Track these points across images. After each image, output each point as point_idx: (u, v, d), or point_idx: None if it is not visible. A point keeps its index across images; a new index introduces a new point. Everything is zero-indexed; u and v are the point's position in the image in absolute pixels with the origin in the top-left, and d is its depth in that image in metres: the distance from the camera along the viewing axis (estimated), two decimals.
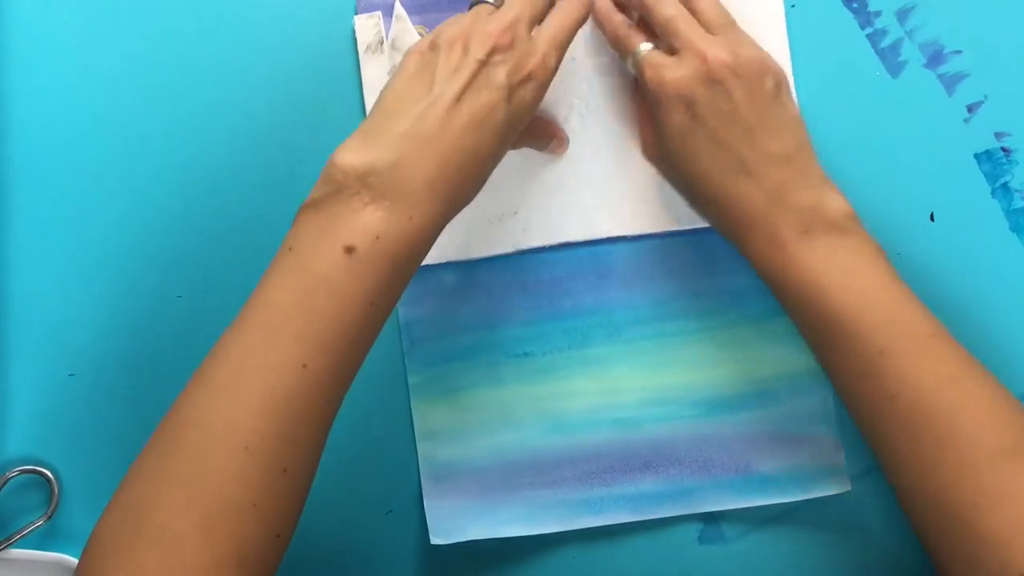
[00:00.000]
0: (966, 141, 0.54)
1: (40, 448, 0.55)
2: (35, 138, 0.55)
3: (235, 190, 0.55)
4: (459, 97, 0.44)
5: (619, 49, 0.51)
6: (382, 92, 0.46)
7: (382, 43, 0.54)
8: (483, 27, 0.45)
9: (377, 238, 0.42)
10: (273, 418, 0.41)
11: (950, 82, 0.54)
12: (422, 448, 0.55)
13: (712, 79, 0.46)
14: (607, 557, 0.55)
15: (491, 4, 0.47)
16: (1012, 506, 0.41)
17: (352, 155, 0.43)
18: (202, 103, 0.55)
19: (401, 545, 0.56)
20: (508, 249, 0.55)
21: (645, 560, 0.55)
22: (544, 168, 0.54)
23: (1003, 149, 0.54)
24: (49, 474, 0.54)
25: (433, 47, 0.46)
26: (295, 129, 0.55)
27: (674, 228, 0.54)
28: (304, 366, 0.41)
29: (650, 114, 0.50)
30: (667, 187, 0.54)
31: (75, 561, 0.54)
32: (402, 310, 0.55)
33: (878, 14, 0.54)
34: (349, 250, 0.42)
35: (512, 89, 0.45)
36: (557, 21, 0.48)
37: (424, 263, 0.51)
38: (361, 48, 0.54)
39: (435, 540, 0.54)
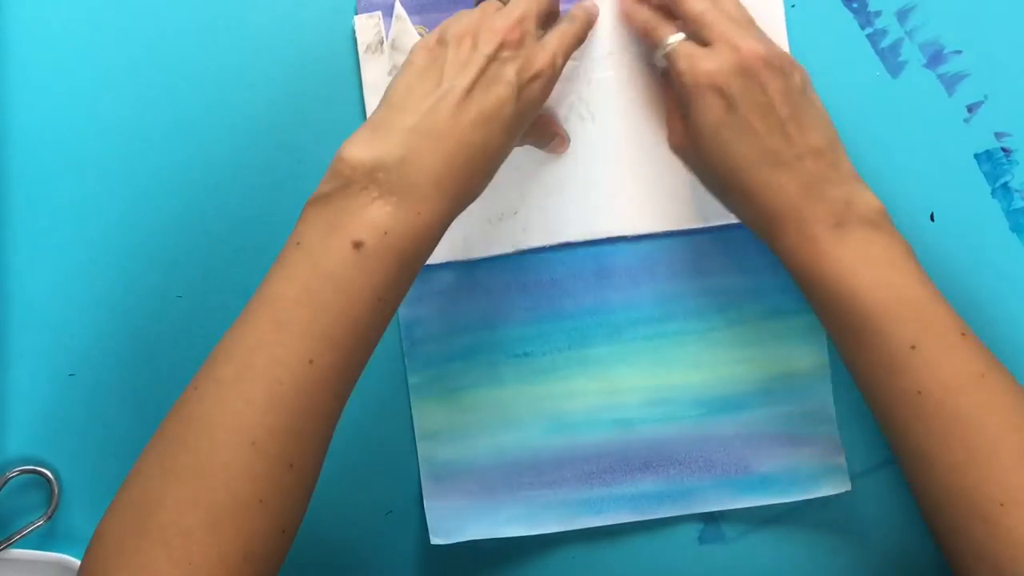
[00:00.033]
0: (966, 141, 0.54)
1: (40, 448, 0.55)
2: (35, 138, 0.55)
3: (235, 190, 0.55)
4: (468, 92, 0.44)
5: (649, 41, 0.51)
6: (389, 86, 0.46)
7: (382, 43, 0.54)
8: (491, 23, 0.46)
9: (385, 233, 0.42)
10: (280, 413, 0.41)
11: (950, 82, 0.54)
12: (422, 448, 0.55)
13: (747, 70, 0.46)
14: (607, 557, 0.55)
15: (498, 0, 0.48)
16: None
17: (360, 149, 0.43)
18: (202, 103, 0.55)
19: (401, 545, 0.56)
20: (508, 249, 0.55)
21: (645, 560, 0.55)
22: (544, 168, 0.54)
23: (1003, 149, 0.54)
24: (49, 474, 0.54)
25: (441, 42, 0.46)
26: (295, 129, 0.55)
27: (674, 228, 0.54)
28: (311, 362, 0.41)
29: (678, 106, 0.50)
30: (668, 187, 0.54)
31: (75, 561, 0.54)
32: (402, 310, 0.55)
33: (878, 14, 0.54)
34: (357, 245, 0.42)
35: (521, 86, 0.45)
36: (565, 26, 0.49)
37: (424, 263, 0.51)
38: (361, 48, 0.54)
39: (435, 540, 0.54)
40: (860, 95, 0.54)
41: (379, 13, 0.54)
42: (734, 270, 0.54)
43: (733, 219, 0.51)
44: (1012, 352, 0.54)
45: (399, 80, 0.45)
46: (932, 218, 0.54)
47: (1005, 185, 0.54)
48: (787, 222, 0.47)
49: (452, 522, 0.54)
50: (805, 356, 0.54)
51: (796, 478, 0.54)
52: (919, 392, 0.44)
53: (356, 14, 0.54)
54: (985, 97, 0.54)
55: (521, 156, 0.54)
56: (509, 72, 0.45)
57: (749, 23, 0.48)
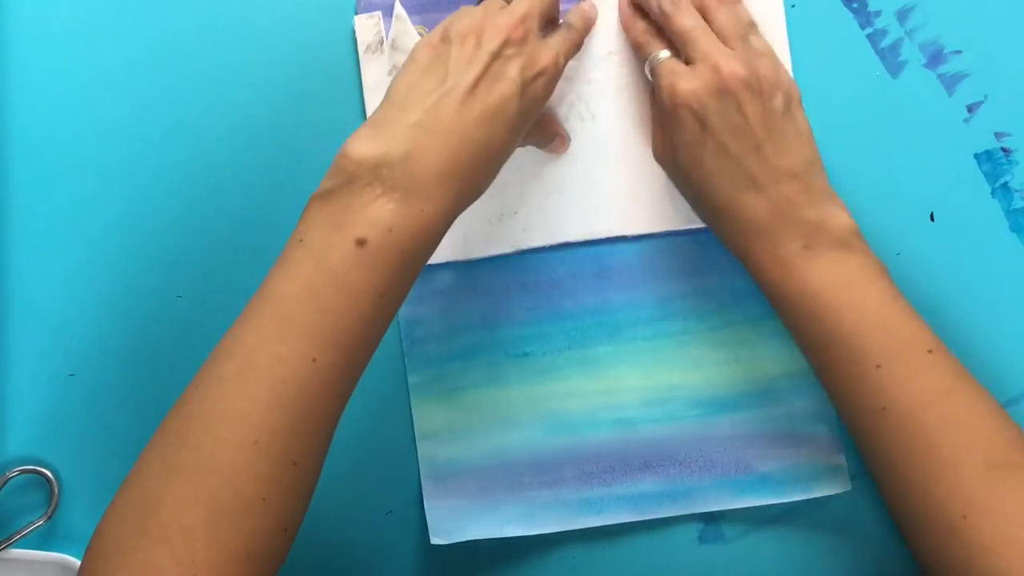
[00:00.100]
0: (966, 141, 0.54)
1: (40, 448, 0.55)
2: (35, 138, 0.55)
3: (235, 190, 0.55)
4: (472, 89, 0.44)
5: (639, 54, 0.52)
6: (393, 83, 0.46)
7: (382, 43, 0.54)
8: (495, 20, 0.46)
9: (389, 231, 0.42)
10: (283, 412, 0.41)
11: (950, 82, 0.54)
12: (422, 448, 0.55)
13: (725, 91, 0.46)
14: (607, 557, 0.55)
15: None
16: (999, 517, 0.42)
17: (364, 145, 0.43)
18: (202, 103, 0.55)
19: (401, 545, 0.56)
20: (508, 249, 0.55)
21: (645, 560, 0.55)
22: (544, 168, 0.54)
23: (1003, 149, 0.54)
24: (49, 474, 0.54)
25: (445, 40, 0.46)
26: (295, 129, 0.55)
27: (674, 228, 0.54)
28: (314, 360, 0.41)
29: (661, 119, 0.51)
30: (667, 187, 0.54)
31: (75, 561, 0.54)
32: (402, 310, 0.55)
33: (878, 14, 0.54)
34: (360, 243, 0.42)
35: (525, 83, 0.45)
36: (567, 27, 0.50)
37: None
38: (361, 48, 0.54)
39: (435, 540, 0.54)
40: (860, 95, 0.54)
41: (379, 13, 0.54)
42: (734, 270, 0.54)
43: None
44: (1012, 352, 0.54)
45: (402, 77, 0.45)
46: (932, 218, 0.54)
47: (1005, 185, 0.54)
48: (759, 242, 0.47)
49: (452, 522, 0.54)
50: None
51: (796, 478, 0.54)
52: (884, 409, 0.44)
53: (356, 14, 0.54)
54: (985, 97, 0.54)
55: (521, 156, 0.54)
56: (513, 69, 0.45)
57: (742, 36, 0.48)
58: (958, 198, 0.54)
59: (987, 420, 0.44)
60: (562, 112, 0.54)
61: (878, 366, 0.45)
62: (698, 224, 0.54)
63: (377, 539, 0.56)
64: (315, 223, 0.43)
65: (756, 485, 0.54)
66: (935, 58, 0.54)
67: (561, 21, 0.51)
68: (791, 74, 0.50)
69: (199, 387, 0.41)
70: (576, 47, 0.51)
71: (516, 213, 0.55)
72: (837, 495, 0.54)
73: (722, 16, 0.49)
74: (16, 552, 0.54)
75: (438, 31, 0.46)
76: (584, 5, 0.53)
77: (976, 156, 0.54)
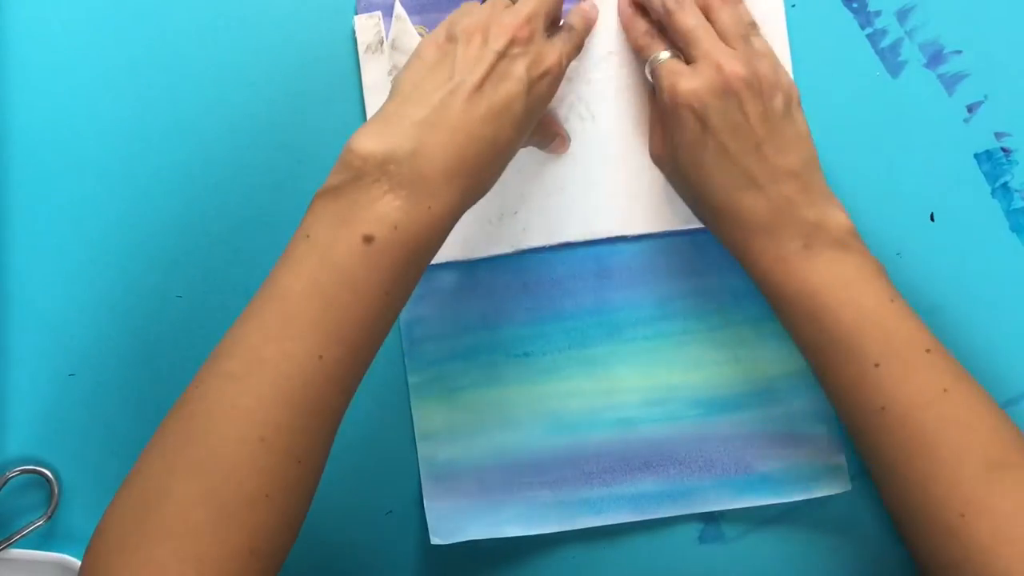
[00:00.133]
0: (966, 141, 0.54)
1: (40, 448, 0.55)
2: (35, 138, 0.55)
3: (235, 190, 0.55)
4: (479, 87, 0.44)
5: (640, 55, 0.52)
6: (398, 79, 0.46)
7: (382, 43, 0.54)
8: (501, 20, 0.46)
9: (395, 228, 0.42)
10: (288, 408, 0.40)
11: (950, 82, 0.54)
12: (422, 448, 0.55)
13: (726, 91, 0.46)
14: (607, 557, 0.55)
15: None
16: (997, 516, 0.42)
17: (371, 141, 0.43)
18: (202, 103, 0.55)
19: (401, 545, 0.56)
20: (508, 249, 0.55)
21: (645, 560, 0.55)
22: (544, 168, 0.54)
23: (1003, 149, 0.54)
24: (49, 474, 0.54)
25: (450, 38, 0.46)
26: (295, 129, 0.55)
27: (674, 228, 0.54)
28: (320, 357, 0.41)
29: (661, 119, 0.51)
30: (667, 187, 0.54)
31: (75, 561, 0.54)
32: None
33: (878, 14, 0.54)
34: (367, 240, 0.42)
35: (531, 82, 0.45)
36: (569, 28, 0.50)
37: None
38: (361, 48, 0.54)
39: (435, 540, 0.54)
40: (860, 95, 0.54)
41: (379, 13, 0.54)
42: (734, 270, 0.54)
43: None
44: (1012, 352, 0.54)
45: (408, 73, 0.45)
46: (932, 218, 0.54)
47: (1005, 185, 0.54)
48: (757, 242, 0.47)
49: (452, 522, 0.54)
50: None
51: (796, 478, 0.54)
52: (883, 408, 0.45)
53: (356, 14, 0.54)
54: (985, 97, 0.54)
55: (521, 156, 0.54)
56: (519, 68, 0.45)
57: (743, 35, 0.48)
58: (958, 198, 0.54)
59: (985, 420, 0.44)
60: (562, 112, 0.54)
61: (876, 365, 0.45)
62: (698, 224, 0.54)
63: (377, 539, 0.56)
64: (321, 219, 0.43)
65: (756, 485, 0.54)
66: (935, 58, 0.54)
67: (562, 22, 0.51)
68: (791, 75, 0.50)
69: (202, 384, 0.41)
70: (578, 48, 0.51)
71: (516, 213, 0.55)
72: (837, 495, 0.54)
73: (724, 16, 0.49)
74: (16, 552, 0.54)
75: (443, 28, 0.47)
76: (585, 5, 0.53)
77: (976, 156, 0.54)
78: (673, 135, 0.49)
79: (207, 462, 0.39)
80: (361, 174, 0.42)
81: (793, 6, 0.54)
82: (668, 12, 0.49)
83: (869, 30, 0.54)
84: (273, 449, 0.40)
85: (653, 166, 0.54)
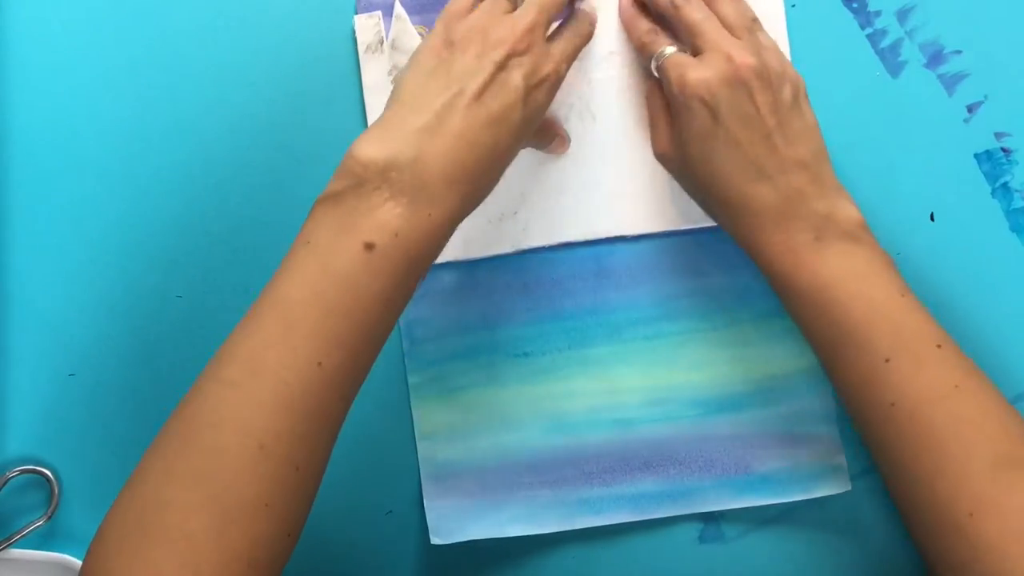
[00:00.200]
0: (966, 141, 0.54)
1: (40, 448, 0.55)
2: (35, 138, 0.55)
3: (235, 190, 0.55)
4: (478, 96, 0.44)
5: (643, 52, 0.51)
6: (398, 85, 0.46)
7: (382, 43, 0.54)
8: (500, 32, 0.46)
9: (396, 235, 0.42)
10: (288, 416, 0.40)
11: (950, 82, 0.54)
12: (422, 448, 0.55)
13: (736, 80, 0.46)
14: (607, 557, 0.55)
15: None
16: (1006, 515, 0.42)
17: (372, 148, 0.43)
18: (202, 103, 0.55)
19: (401, 545, 0.56)
20: (508, 249, 0.55)
21: (645, 560, 0.55)
22: (544, 168, 0.54)
23: (1003, 149, 0.54)
24: (49, 474, 0.54)
25: (448, 44, 0.46)
26: (295, 129, 0.55)
27: (674, 228, 0.54)
28: (320, 364, 0.41)
29: (665, 115, 0.51)
30: (668, 187, 0.54)
31: (76, 561, 0.54)
32: None
33: (878, 14, 0.54)
34: (368, 247, 0.42)
35: (528, 91, 0.45)
36: (570, 33, 0.49)
37: None
38: (361, 48, 0.54)
39: (435, 540, 0.54)
40: (860, 95, 0.54)
41: (379, 13, 0.54)
42: (734, 270, 0.54)
43: None
44: (1012, 352, 0.54)
45: (408, 79, 0.45)
46: (932, 218, 0.54)
47: (1005, 185, 0.54)
48: (767, 233, 0.47)
49: (452, 522, 0.54)
50: (805, 356, 0.54)
51: (796, 478, 0.54)
52: (892, 404, 0.44)
53: (356, 14, 0.54)
54: (985, 97, 0.54)
55: (521, 156, 0.54)
56: (517, 78, 0.45)
57: (749, 28, 0.48)
58: (958, 198, 0.54)
59: (996, 416, 0.44)
60: (563, 112, 0.54)
61: (887, 360, 0.45)
62: (698, 224, 0.54)
63: (377, 539, 0.56)
64: (322, 225, 0.43)
65: (756, 485, 0.54)
66: (935, 58, 0.54)
67: (559, 24, 0.51)
68: None
69: (202, 390, 0.41)
70: (577, 52, 0.51)
71: (516, 213, 0.55)
72: (837, 495, 0.54)
73: (729, 9, 0.49)
74: (16, 552, 0.54)
75: (440, 32, 0.46)
76: (584, 7, 0.53)
77: (976, 156, 0.54)
78: (682, 128, 0.48)
79: (206, 469, 0.39)
80: (362, 181, 0.43)
81: (793, 6, 0.54)
82: (675, 7, 0.49)
83: (869, 30, 0.54)
84: (272, 456, 0.40)
85: (654, 166, 0.54)
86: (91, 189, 0.55)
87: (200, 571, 0.38)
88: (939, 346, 0.45)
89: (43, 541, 0.55)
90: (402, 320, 0.55)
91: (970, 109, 0.54)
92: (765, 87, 0.46)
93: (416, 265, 0.43)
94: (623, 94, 0.54)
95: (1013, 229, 0.54)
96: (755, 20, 0.49)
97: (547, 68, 0.47)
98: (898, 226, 0.54)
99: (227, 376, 0.41)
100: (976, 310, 0.54)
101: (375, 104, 0.54)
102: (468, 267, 0.55)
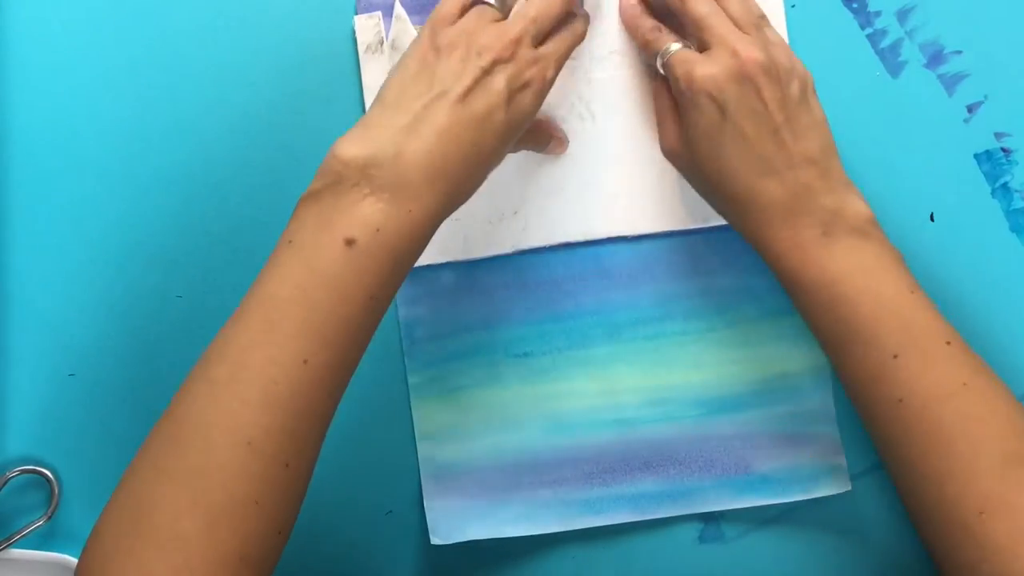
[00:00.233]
0: (966, 141, 0.54)
1: (40, 448, 0.55)
2: (35, 138, 0.55)
3: (235, 190, 0.55)
4: (462, 98, 0.44)
5: (648, 50, 0.51)
6: (382, 88, 0.46)
7: (382, 43, 0.54)
8: (486, 38, 0.46)
9: (377, 230, 0.42)
10: (276, 413, 0.41)
11: (950, 82, 0.54)
12: (422, 448, 0.55)
13: (744, 75, 0.46)
14: (607, 557, 0.55)
15: (491, 5, 0.47)
16: (1013, 514, 0.42)
17: (352, 146, 0.43)
18: (202, 103, 0.55)
19: (401, 545, 0.56)
20: (508, 249, 0.55)
21: (645, 560, 0.55)
22: (544, 168, 0.54)
23: (1003, 149, 0.54)
24: (49, 474, 0.54)
25: (435, 49, 0.46)
26: (295, 129, 0.55)
27: (674, 228, 0.54)
28: (305, 361, 0.41)
29: (672, 112, 0.51)
30: (667, 187, 0.54)
31: (75, 561, 0.53)
32: (402, 310, 0.55)
33: (878, 14, 0.54)
34: (349, 243, 0.42)
35: (511, 94, 0.45)
36: (562, 34, 0.49)
37: (424, 263, 0.51)
38: (361, 48, 0.54)
39: (435, 540, 0.54)
40: (860, 95, 0.54)
41: (379, 13, 0.54)
42: (734, 270, 0.54)
43: None
44: (1012, 352, 0.54)
45: (392, 81, 0.46)
46: (932, 218, 0.54)
47: (1005, 185, 0.54)
48: (776, 228, 0.47)
49: (452, 522, 0.54)
50: (805, 356, 0.54)
51: (796, 478, 0.54)
52: (901, 401, 0.44)
53: (356, 14, 0.54)
54: (985, 97, 0.54)
55: (521, 156, 0.54)
56: (500, 82, 0.45)
57: (756, 24, 0.48)
58: (958, 198, 0.54)
59: (1005, 415, 0.44)
60: (562, 112, 0.54)
61: (895, 357, 0.44)
62: (698, 224, 0.54)
63: (377, 539, 0.56)
64: (304, 224, 0.43)
65: (756, 485, 0.54)
66: (935, 58, 0.54)
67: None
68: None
69: (191, 390, 0.42)
70: (569, 52, 0.50)
71: (516, 213, 0.55)
72: (837, 495, 0.54)
73: (736, 6, 0.49)
74: (16, 552, 0.54)
75: (427, 37, 0.46)
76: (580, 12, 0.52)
77: (976, 156, 0.54)
78: (690, 125, 0.48)
79: (196, 469, 0.40)
80: (341, 178, 0.43)
81: (793, 6, 0.54)
82: (681, 2, 0.49)
83: (869, 30, 0.54)
84: (261, 454, 0.40)
85: (654, 166, 0.54)
86: (91, 189, 0.55)
87: (193, 571, 0.38)
88: (948, 343, 0.45)
89: (43, 541, 0.55)
90: (402, 320, 0.55)
91: (970, 109, 0.54)
92: (773, 82, 0.46)
93: (399, 263, 0.43)
94: (623, 94, 0.54)
95: (1013, 229, 0.54)
96: (762, 16, 0.49)
97: (530, 73, 0.46)
98: (898, 226, 0.54)
99: (214, 375, 0.41)
100: (976, 310, 0.54)
101: None
102: (468, 267, 0.55)
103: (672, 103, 0.51)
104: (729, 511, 0.55)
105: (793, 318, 0.54)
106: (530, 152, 0.54)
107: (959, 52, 0.54)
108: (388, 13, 0.54)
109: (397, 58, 0.53)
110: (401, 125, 0.44)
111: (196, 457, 0.40)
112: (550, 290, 0.55)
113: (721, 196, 0.49)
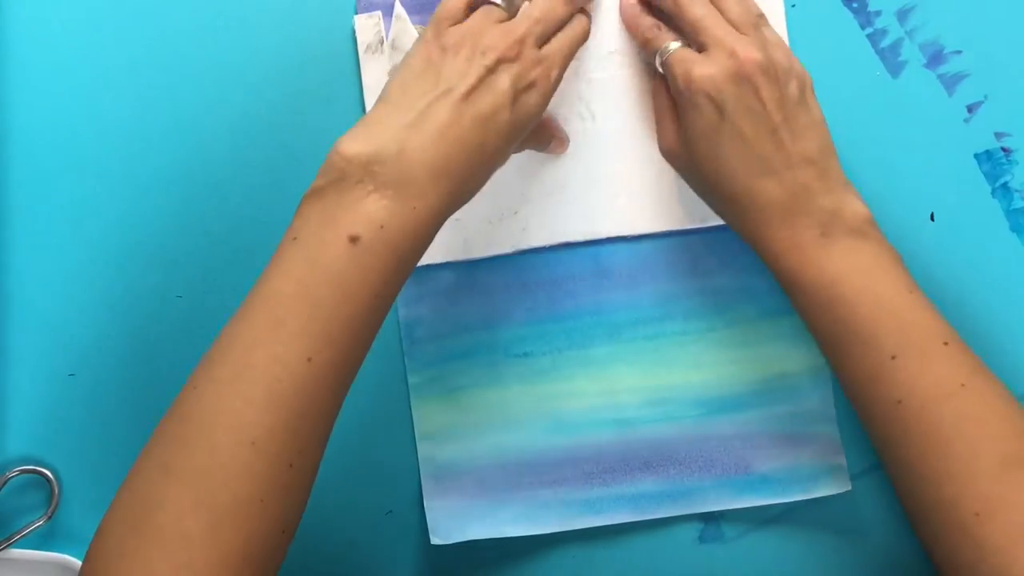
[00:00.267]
0: (966, 141, 0.54)
1: (40, 448, 0.55)
2: (35, 138, 0.55)
3: (235, 190, 0.55)
4: (466, 96, 0.44)
5: (647, 49, 0.51)
6: (386, 87, 0.46)
7: (382, 43, 0.54)
8: (491, 38, 0.46)
9: (381, 227, 0.42)
10: (280, 412, 0.40)
11: (950, 82, 0.54)
12: (422, 448, 0.55)
13: (741, 76, 0.46)
14: (607, 557, 0.55)
15: (498, 6, 0.47)
16: (1011, 515, 0.42)
17: (356, 143, 0.43)
18: (202, 103, 0.55)
19: (401, 545, 0.56)
20: (508, 249, 0.55)
21: (645, 560, 0.55)
22: (544, 168, 0.54)
23: (1003, 149, 0.54)
24: (49, 474, 0.54)
25: (439, 49, 0.46)
26: (295, 129, 0.55)
27: (674, 228, 0.54)
28: (310, 359, 0.41)
29: (670, 112, 0.51)
30: (668, 186, 0.54)
31: (76, 561, 0.54)
32: (402, 310, 0.55)
33: (878, 14, 0.54)
34: (353, 240, 0.42)
35: (516, 94, 0.45)
36: (564, 35, 0.49)
37: (424, 263, 0.51)
38: (361, 48, 0.54)
39: (435, 540, 0.54)
40: (860, 95, 0.54)
41: (379, 13, 0.54)
42: (734, 270, 0.54)
43: None
44: (1012, 352, 0.54)
45: (396, 80, 0.46)
46: (932, 218, 0.54)
47: (1005, 185, 0.54)
48: (774, 229, 0.47)
49: (452, 522, 0.54)
50: (805, 356, 0.54)
51: (796, 478, 0.54)
52: (899, 401, 0.44)
53: (356, 14, 0.54)
54: (985, 97, 0.54)
55: (521, 156, 0.54)
56: (505, 81, 0.45)
57: (754, 24, 0.48)
58: (958, 198, 0.54)
59: (1003, 415, 0.44)
60: (563, 112, 0.54)
61: (893, 357, 0.44)
62: (698, 224, 0.54)
63: (377, 539, 0.56)
64: (308, 221, 0.43)
65: (756, 485, 0.54)
66: (935, 58, 0.54)
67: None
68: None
69: (195, 388, 0.41)
70: (573, 52, 0.50)
71: (516, 213, 0.55)
72: (837, 495, 0.54)
73: (734, 5, 0.49)
74: (16, 552, 0.54)
75: (431, 36, 0.46)
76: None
77: (976, 156, 0.54)
78: (688, 124, 0.48)
79: (200, 468, 0.40)
80: (345, 175, 0.43)
81: (793, 6, 0.54)
82: (677, 4, 0.49)
83: (869, 30, 0.54)
84: (266, 453, 0.40)
85: (654, 166, 0.54)
86: (91, 189, 0.55)
87: (196, 570, 0.38)
88: (946, 343, 0.45)
89: (43, 541, 0.55)
90: (402, 320, 0.55)
91: (970, 109, 0.54)
92: (771, 82, 0.46)
93: (402, 260, 0.43)
94: (623, 94, 0.54)
95: (1013, 229, 0.54)
96: (761, 16, 0.49)
97: (535, 73, 0.46)
98: (898, 226, 0.54)
99: (218, 374, 0.41)
100: (976, 310, 0.54)
101: None
102: (468, 267, 0.55)
103: (671, 103, 0.51)
104: (729, 511, 0.55)
105: (792, 318, 0.54)
106: (530, 152, 0.54)
107: (959, 52, 0.54)
108: (388, 13, 0.54)
109: (397, 58, 0.54)
110: (405, 122, 0.44)
111: (200, 457, 0.40)
112: (550, 290, 0.55)
113: (719, 196, 0.49)
